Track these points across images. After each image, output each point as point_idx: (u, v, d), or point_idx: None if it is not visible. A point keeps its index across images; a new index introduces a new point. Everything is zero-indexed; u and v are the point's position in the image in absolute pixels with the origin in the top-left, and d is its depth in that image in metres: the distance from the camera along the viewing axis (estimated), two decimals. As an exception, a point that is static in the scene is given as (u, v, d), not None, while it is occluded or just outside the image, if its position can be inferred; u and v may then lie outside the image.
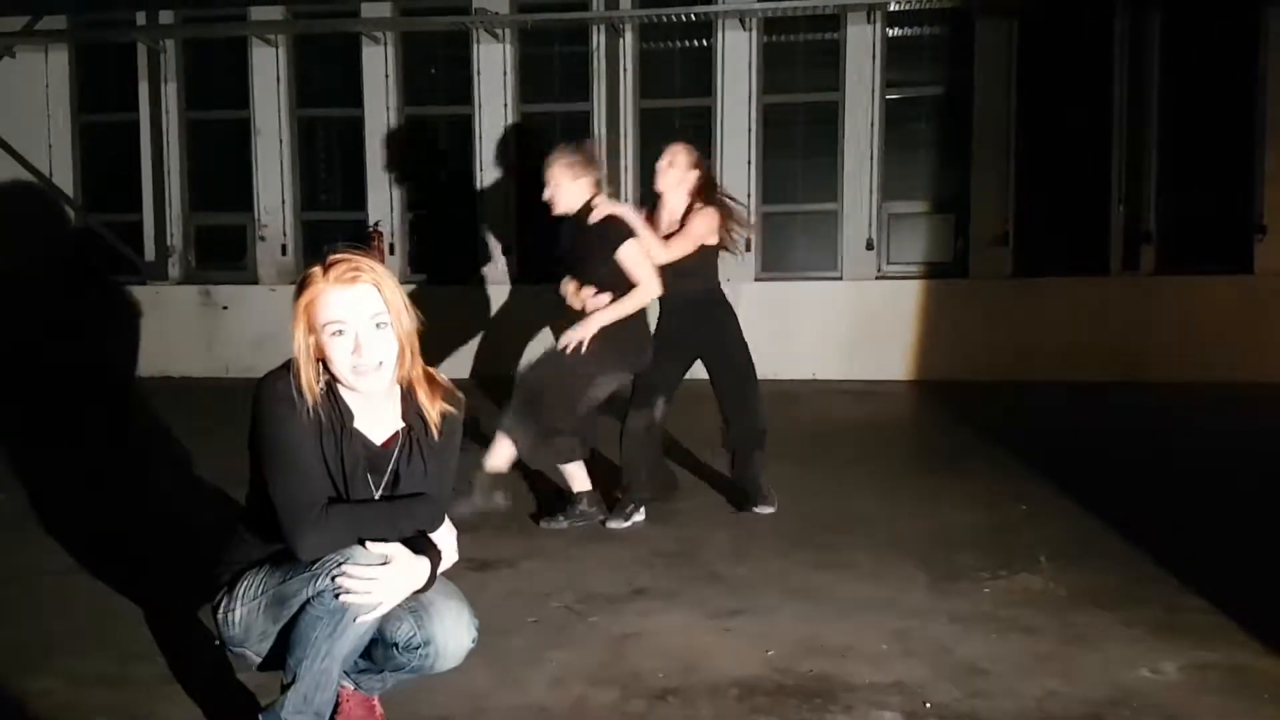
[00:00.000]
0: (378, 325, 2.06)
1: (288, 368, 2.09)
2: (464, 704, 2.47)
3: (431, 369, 2.19)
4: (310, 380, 2.05)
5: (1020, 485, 4.60)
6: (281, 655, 2.05)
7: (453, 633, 2.10)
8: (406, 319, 2.09)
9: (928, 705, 2.47)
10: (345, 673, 2.26)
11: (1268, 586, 3.30)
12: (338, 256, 2.07)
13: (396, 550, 2.01)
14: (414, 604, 2.09)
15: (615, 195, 6.89)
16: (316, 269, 2.08)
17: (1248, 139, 7.82)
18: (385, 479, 2.14)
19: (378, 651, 2.15)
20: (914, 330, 7.97)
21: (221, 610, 2.14)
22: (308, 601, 1.99)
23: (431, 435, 2.16)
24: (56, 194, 9.08)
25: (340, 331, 2.04)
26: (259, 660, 2.17)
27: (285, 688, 2.03)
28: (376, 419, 2.15)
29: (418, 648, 2.10)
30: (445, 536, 2.17)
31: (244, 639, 2.14)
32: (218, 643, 2.21)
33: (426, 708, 2.44)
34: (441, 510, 2.17)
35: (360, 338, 2.04)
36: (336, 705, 2.29)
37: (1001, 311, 7.86)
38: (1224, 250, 7.86)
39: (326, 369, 2.09)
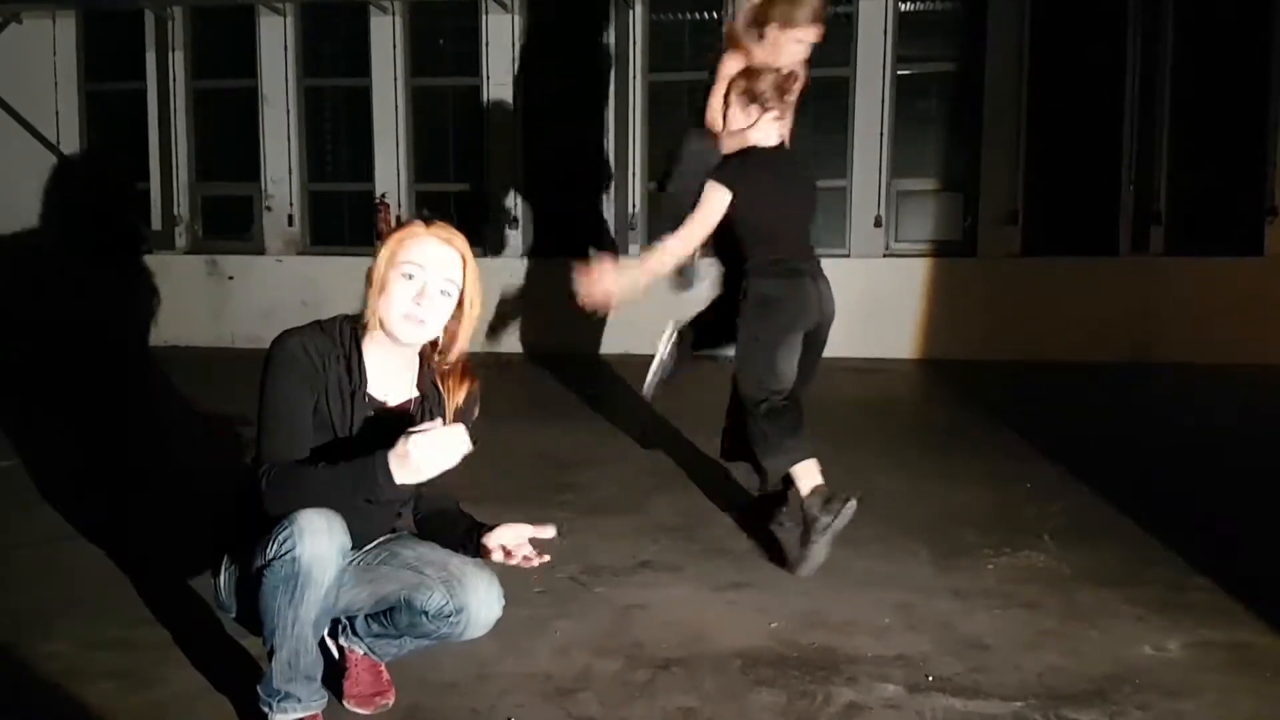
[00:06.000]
0: (444, 291, 2.11)
1: (306, 328, 2.12)
2: (469, 671, 2.48)
3: (470, 364, 2.24)
4: (374, 303, 2.10)
5: (1025, 464, 4.59)
6: (256, 618, 2.08)
7: (485, 602, 2.13)
8: (473, 307, 2.16)
9: (930, 678, 2.48)
10: (359, 637, 2.30)
11: (1271, 566, 3.30)
12: (444, 223, 2.17)
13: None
14: (445, 574, 2.13)
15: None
16: (421, 221, 2.17)
17: (1260, 121, 7.75)
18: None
19: (403, 618, 2.18)
20: (921, 308, 7.96)
21: (214, 576, 2.23)
22: (262, 570, 2.01)
23: (443, 410, 2.19)
24: (65, 162, 9.09)
25: (412, 275, 2.09)
26: (246, 623, 2.23)
27: (269, 658, 2.07)
28: (392, 384, 2.17)
29: (449, 615, 2.13)
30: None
31: (230, 604, 2.21)
32: (219, 607, 2.27)
33: (432, 674, 2.46)
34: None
35: (427, 289, 2.09)
36: (345, 670, 2.32)
37: (1009, 291, 7.83)
38: (1234, 232, 7.81)
39: (356, 325, 2.12)
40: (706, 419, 5.39)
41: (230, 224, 9.11)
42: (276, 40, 8.81)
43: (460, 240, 2.15)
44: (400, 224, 2.21)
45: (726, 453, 3.75)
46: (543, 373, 7.33)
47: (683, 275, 3.84)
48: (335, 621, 2.31)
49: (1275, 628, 2.76)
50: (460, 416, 2.21)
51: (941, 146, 8.30)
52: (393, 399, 2.17)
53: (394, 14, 8.62)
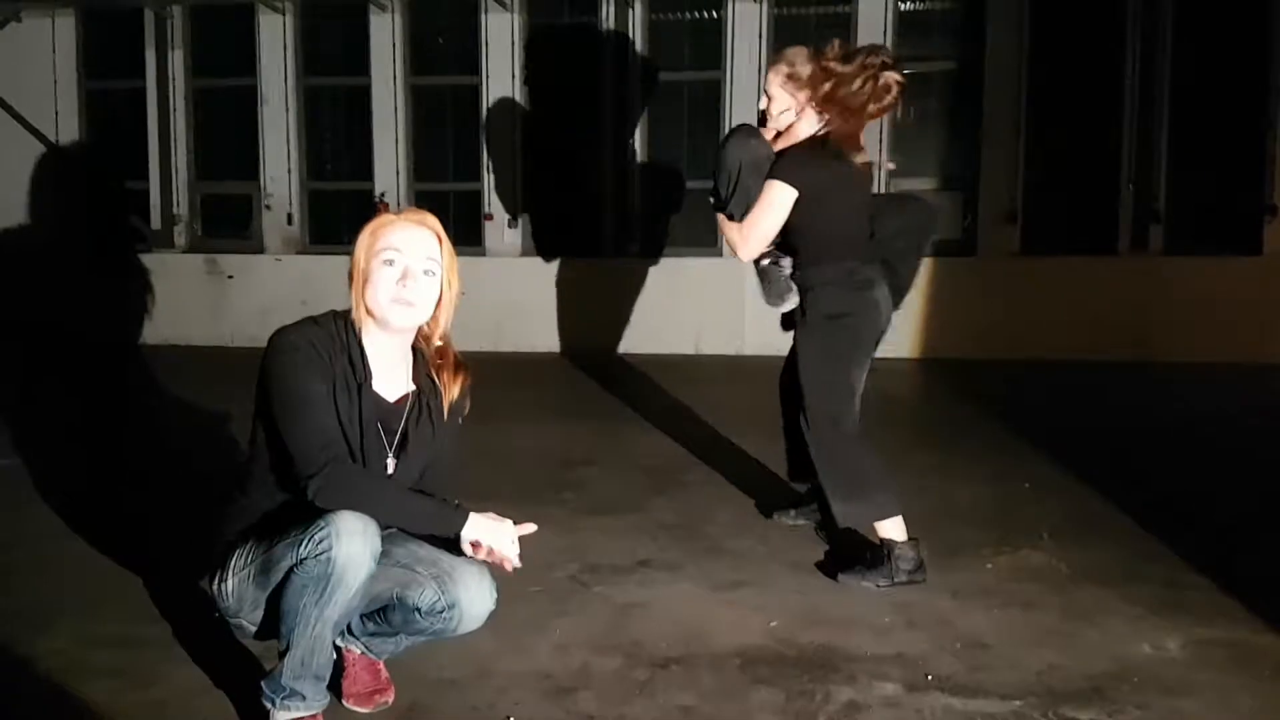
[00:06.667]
0: (427, 271, 2.12)
1: (302, 323, 2.12)
2: (469, 668, 2.49)
3: (462, 359, 2.25)
4: (359, 296, 2.11)
5: (1024, 463, 4.60)
6: (275, 624, 2.07)
7: (476, 596, 2.13)
8: (454, 284, 2.18)
9: (929, 677, 2.49)
10: (355, 636, 2.30)
11: (1270, 565, 3.30)
12: (414, 207, 2.22)
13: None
14: (436, 570, 2.13)
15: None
16: (390, 212, 2.21)
17: (1259, 120, 7.75)
18: (396, 438, 2.16)
19: (396, 616, 2.18)
20: (920, 307, 7.95)
21: (215, 582, 2.18)
22: (292, 569, 2.00)
23: (439, 404, 2.19)
24: (64, 160, 9.09)
25: (392, 261, 2.10)
26: (254, 629, 2.20)
27: (282, 655, 2.06)
28: (389, 378, 2.17)
29: (441, 611, 2.13)
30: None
31: (238, 609, 2.17)
32: (216, 614, 2.24)
33: (431, 671, 2.46)
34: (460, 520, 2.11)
35: (409, 271, 2.10)
36: (343, 669, 2.32)
37: (1008, 289, 7.83)
38: (1233, 231, 7.81)
39: (352, 320, 2.12)
40: (708, 418, 5.41)
41: (229, 223, 9.10)
42: (276, 39, 8.81)
43: (433, 220, 2.16)
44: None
45: (795, 474, 3.56)
46: (542, 372, 7.33)
47: (768, 281, 3.28)
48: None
49: (1273, 626, 2.76)
50: (454, 410, 2.22)
51: (941, 145, 8.30)
52: (391, 394, 2.17)
53: (393, 12, 8.62)
